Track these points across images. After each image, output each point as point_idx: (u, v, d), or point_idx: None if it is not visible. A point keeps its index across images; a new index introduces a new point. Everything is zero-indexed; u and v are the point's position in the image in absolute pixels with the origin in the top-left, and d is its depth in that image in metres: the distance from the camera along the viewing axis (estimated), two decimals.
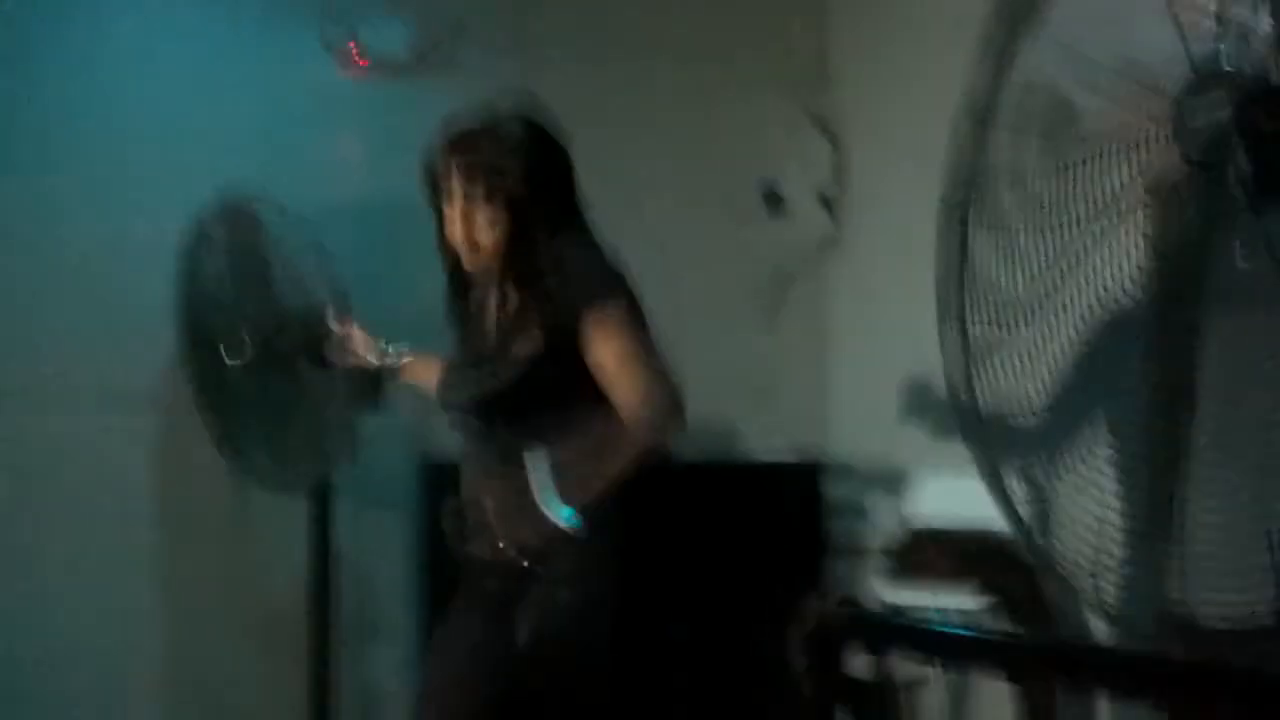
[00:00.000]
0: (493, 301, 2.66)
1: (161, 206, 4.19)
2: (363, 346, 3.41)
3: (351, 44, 4.56)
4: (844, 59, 5.11)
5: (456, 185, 2.60)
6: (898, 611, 4.08)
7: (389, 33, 4.62)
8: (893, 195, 4.50)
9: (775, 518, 4.61)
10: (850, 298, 4.99)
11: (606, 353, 2.42)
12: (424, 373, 3.14)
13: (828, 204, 5.17)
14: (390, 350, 3.38)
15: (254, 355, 3.97)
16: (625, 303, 2.46)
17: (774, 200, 5.19)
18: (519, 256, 2.55)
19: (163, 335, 4.16)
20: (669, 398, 2.38)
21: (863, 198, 4.96)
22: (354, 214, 4.52)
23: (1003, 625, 3.92)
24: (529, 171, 2.58)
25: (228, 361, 4.01)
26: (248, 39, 4.48)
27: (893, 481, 4.61)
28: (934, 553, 4.12)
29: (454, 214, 2.64)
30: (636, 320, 2.45)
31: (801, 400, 5.12)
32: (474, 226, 2.58)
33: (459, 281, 2.76)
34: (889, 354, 4.41)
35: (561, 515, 2.36)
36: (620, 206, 4.91)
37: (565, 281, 2.45)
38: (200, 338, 4.15)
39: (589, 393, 2.44)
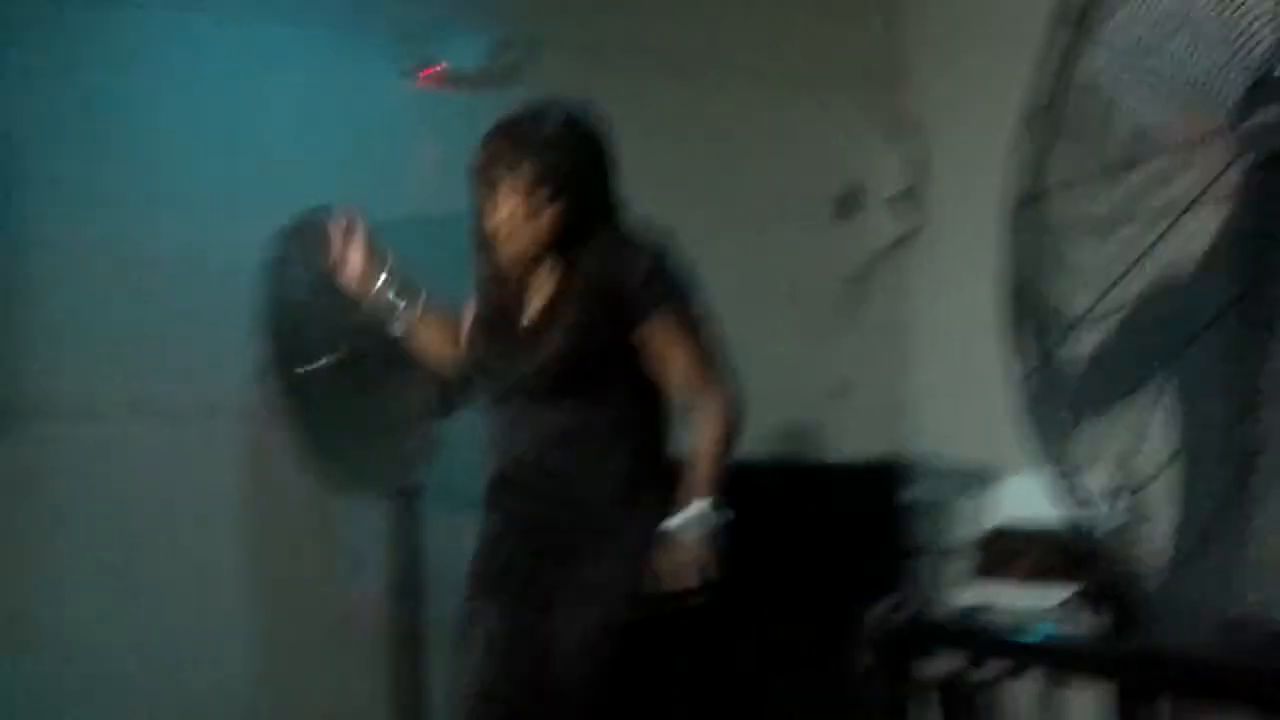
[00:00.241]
0: (539, 279, 2.66)
1: (244, 222, 4.29)
2: (361, 274, 3.00)
3: (428, 60, 4.64)
4: (920, 58, 5.10)
5: (503, 168, 2.62)
6: (977, 612, 4.07)
7: (465, 48, 4.70)
8: (971, 193, 4.47)
9: (856, 518, 4.60)
10: (929, 296, 4.98)
11: (678, 352, 2.48)
12: (437, 335, 2.99)
13: (905, 203, 5.15)
14: (394, 295, 3.00)
15: (334, 363, 4.05)
16: (690, 303, 2.51)
17: (852, 201, 5.19)
18: (566, 240, 2.59)
19: (247, 346, 4.26)
20: (736, 389, 2.46)
21: (941, 196, 4.95)
22: (430, 226, 4.59)
23: (1087, 625, 3.89)
24: (571, 152, 2.61)
25: (309, 370, 4.10)
26: (326, 57, 4.58)
27: (975, 480, 4.58)
28: (1016, 551, 4.09)
29: (499, 196, 2.63)
30: (701, 319, 2.52)
31: (882, 399, 5.12)
32: (518, 208, 2.60)
33: (492, 262, 2.76)
34: (969, 353, 4.38)
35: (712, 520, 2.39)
36: (699, 212, 4.97)
37: (625, 272, 2.50)
38: (282, 348, 4.25)
39: (634, 367, 2.50)
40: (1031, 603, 3.94)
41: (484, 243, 2.71)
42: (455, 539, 4.36)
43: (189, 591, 4.27)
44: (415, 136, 4.71)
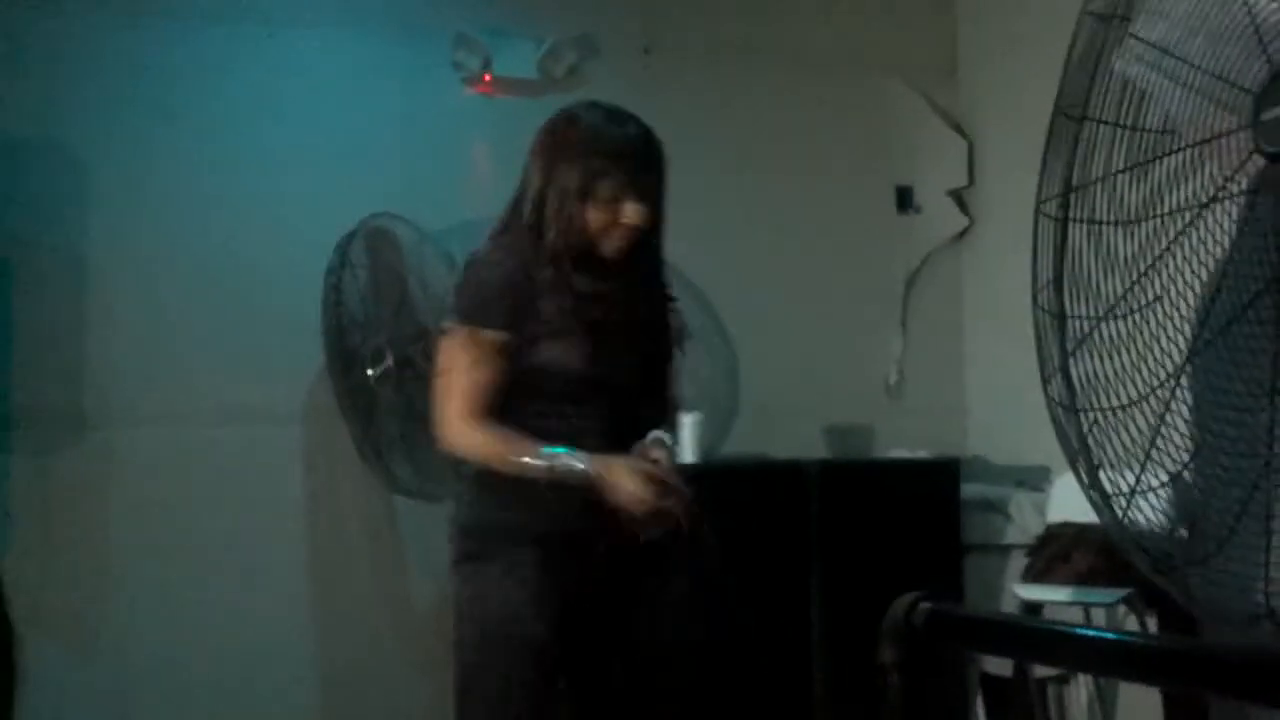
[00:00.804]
0: (629, 287, 2.65)
1: (306, 230, 4.38)
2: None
3: (484, 66, 4.70)
4: (972, 58, 5.09)
5: (646, 178, 2.60)
6: (1033, 608, 4.05)
7: (519, 52, 4.75)
8: (1024, 190, 4.46)
9: (912, 516, 4.58)
10: (984, 293, 4.96)
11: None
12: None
13: (960, 200, 5.15)
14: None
15: (394, 369, 4.12)
16: None
17: (906, 198, 5.19)
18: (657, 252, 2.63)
19: (310, 351, 4.35)
20: None
21: (994, 193, 4.93)
22: (486, 229, 4.65)
23: (1140, 621, 3.86)
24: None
25: (370, 375, 4.18)
26: (383, 66, 4.66)
27: (1031, 478, 4.57)
28: (1072, 549, 4.07)
29: (630, 201, 2.59)
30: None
31: (938, 397, 5.10)
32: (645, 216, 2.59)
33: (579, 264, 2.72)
34: (1024, 349, 4.37)
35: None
36: (755, 211, 5.02)
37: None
38: (344, 353, 4.34)
39: None
40: (1089, 598, 3.93)
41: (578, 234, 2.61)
42: None
43: (255, 592, 4.35)
44: (471, 142, 4.78)
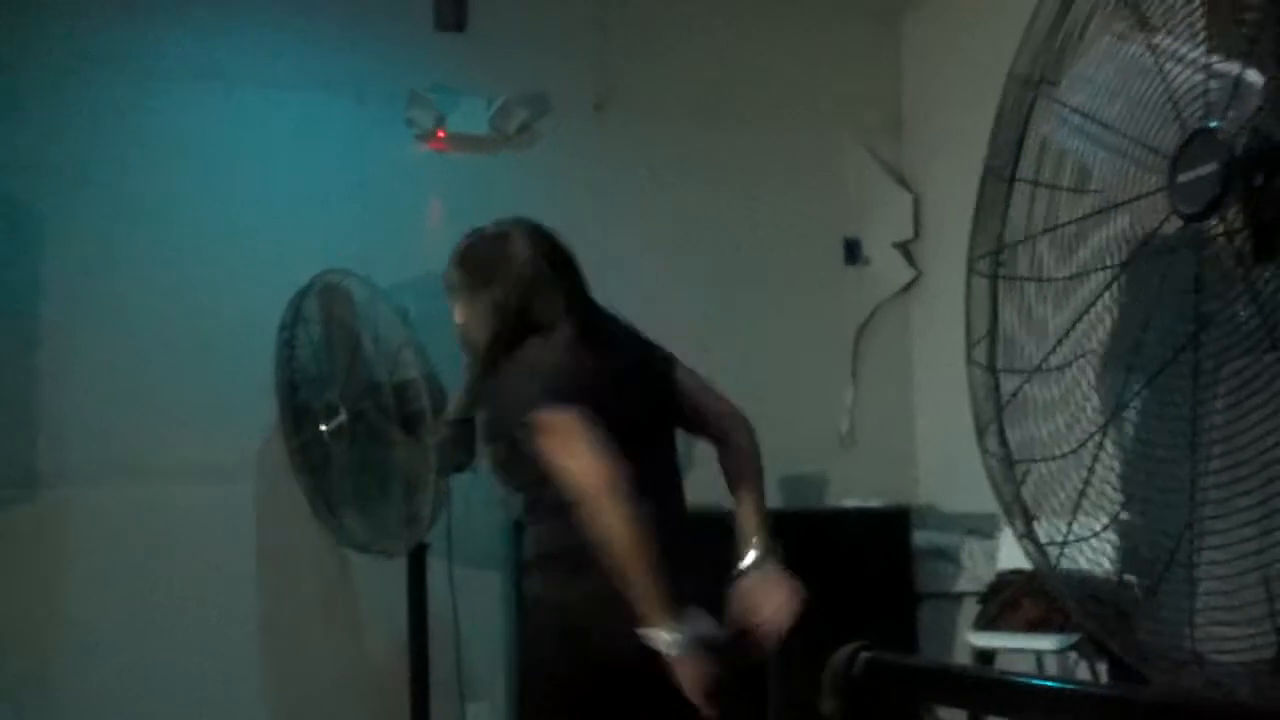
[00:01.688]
0: None
1: (260, 286, 4.40)
2: None
3: (435, 123, 4.75)
4: (917, 114, 5.20)
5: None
6: (985, 655, 4.10)
7: (471, 110, 4.81)
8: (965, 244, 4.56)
9: (865, 564, 4.63)
10: (932, 343, 5.04)
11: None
12: None
13: (906, 253, 5.24)
14: None
15: (347, 424, 4.14)
16: None
17: (854, 250, 5.27)
18: None
19: (263, 407, 4.37)
20: None
21: (940, 246, 5.02)
22: (440, 284, 4.68)
23: (1091, 667, 3.91)
24: None
25: (323, 430, 4.19)
26: (337, 123, 4.71)
27: (981, 526, 4.63)
28: (1023, 596, 4.12)
29: None
30: None
31: (889, 446, 5.17)
32: None
33: None
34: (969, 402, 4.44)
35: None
36: (705, 264, 5.08)
37: None
38: (297, 408, 4.35)
39: None
40: (1040, 646, 3.99)
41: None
42: (467, 595, 4.46)
43: (209, 649, 4.34)
44: (425, 198, 4.83)
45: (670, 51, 5.14)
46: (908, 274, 5.21)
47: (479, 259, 2.69)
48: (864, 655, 1.61)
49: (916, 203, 5.20)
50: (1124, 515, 1.64)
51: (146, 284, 4.43)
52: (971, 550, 4.54)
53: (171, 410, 4.39)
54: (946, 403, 4.82)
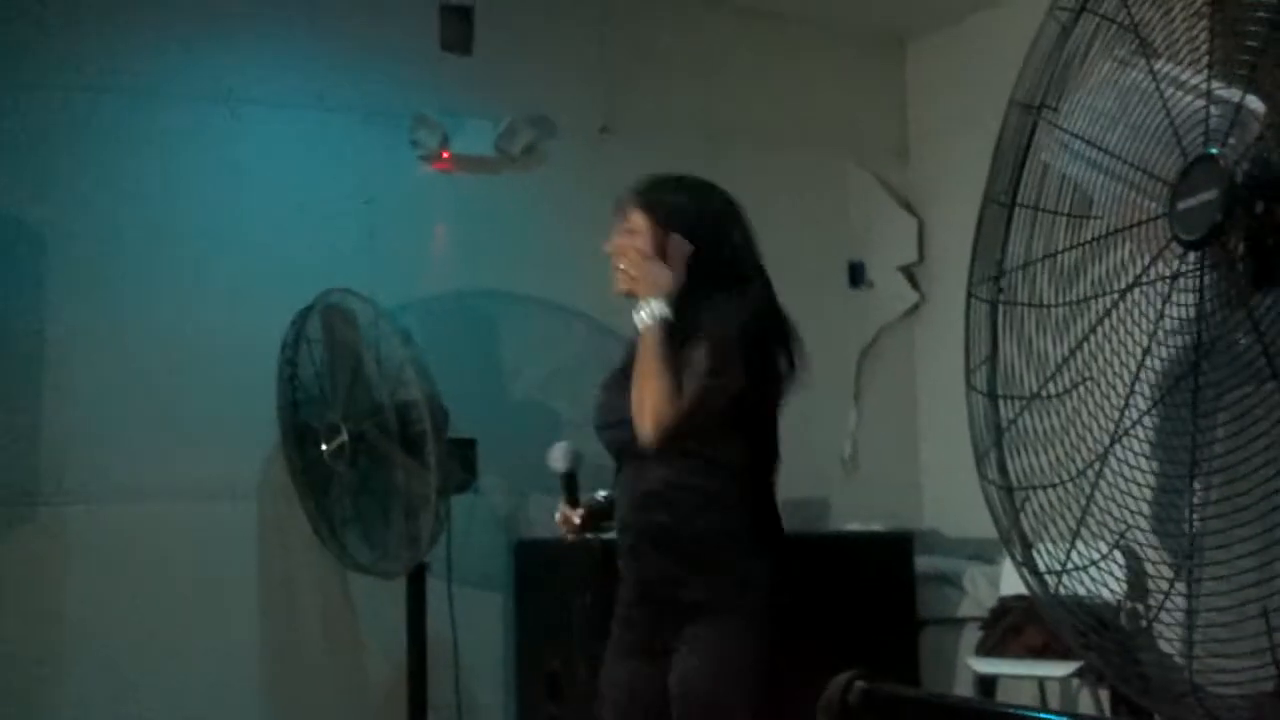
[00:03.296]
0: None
1: (263, 306, 4.40)
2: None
3: (440, 144, 4.76)
4: (922, 139, 5.21)
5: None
6: (988, 682, 4.07)
7: (476, 131, 4.81)
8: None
9: (867, 589, 4.60)
10: (936, 367, 5.02)
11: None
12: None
13: (910, 276, 5.23)
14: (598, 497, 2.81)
15: (349, 444, 4.13)
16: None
17: (858, 274, 5.27)
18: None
19: (265, 427, 4.36)
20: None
21: (944, 270, 5.02)
22: (444, 305, 4.70)
23: (1094, 695, 3.89)
24: None
25: (324, 450, 4.19)
26: (342, 143, 4.71)
27: (984, 551, 4.60)
28: (1025, 622, 4.10)
29: None
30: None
31: (892, 470, 5.15)
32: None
33: None
34: None
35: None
36: None
37: None
38: (299, 429, 4.35)
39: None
40: (1043, 672, 3.96)
41: None
42: (468, 615, 4.45)
43: (208, 671, 4.31)
44: (429, 219, 4.83)
45: (676, 75, 5.14)
46: (912, 298, 5.20)
47: (671, 187, 2.76)
48: (859, 684, 1.60)
49: (921, 227, 5.20)
50: (1123, 544, 1.63)
51: (149, 303, 4.42)
52: (974, 576, 4.52)
53: (173, 430, 4.37)
54: (950, 427, 4.80)
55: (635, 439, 2.52)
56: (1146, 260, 1.65)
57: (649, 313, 2.53)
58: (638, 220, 2.65)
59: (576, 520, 2.72)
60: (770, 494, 2.62)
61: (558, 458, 2.71)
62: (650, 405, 2.47)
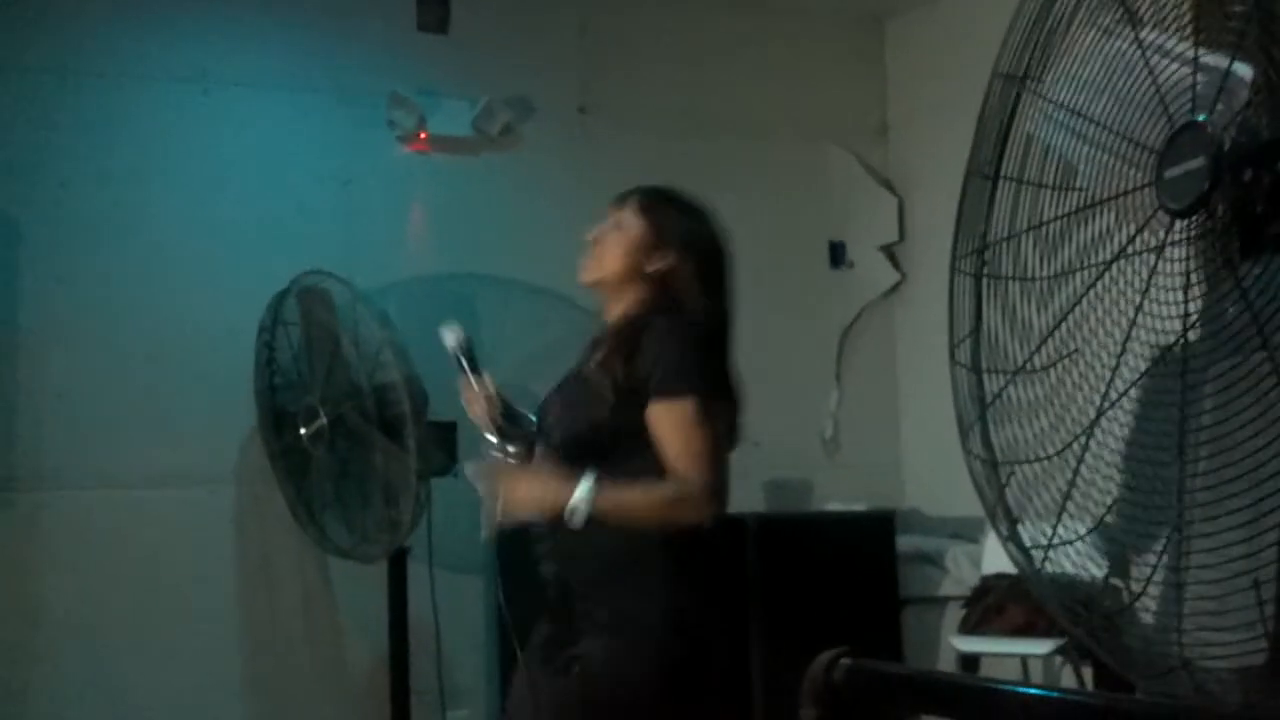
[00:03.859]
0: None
1: (239, 289, 4.36)
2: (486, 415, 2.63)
3: (417, 124, 4.71)
4: (901, 118, 5.19)
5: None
6: (970, 660, 4.07)
7: (454, 112, 4.77)
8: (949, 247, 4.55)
9: (850, 568, 4.60)
10: (917, 346, 5.02)
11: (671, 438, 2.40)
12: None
13: (891, 256, 5.21)
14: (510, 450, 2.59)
15: (327, 428, 4.09)
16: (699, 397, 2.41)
17: (839, 254, 5.25)
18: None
19: (242, 412, 4.32)
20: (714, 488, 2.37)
21: (925, 249, 5.00)
22: (422, 286, 4.66)
23: (1076, 672, 3.89)
24: None
25: (303, 434, 4.15)
26: (318, 124, 4.66)
27: (966, 530, 4.60)
28: (1007, 600, 4.10)
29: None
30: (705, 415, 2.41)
31: (874, 450, 5.14)
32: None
33: None
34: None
35: (578, 490, 2.29)
36: None
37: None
38: (277, 413, 4.31)
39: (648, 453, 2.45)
40: (1025, 650, 3.96)
41: None
42: (448, 600, 4.42)
43: (187, 657, 4.28)
44: (407, 200, 4.79)
45: (654, 55, 5.11)
46: (893, 277, 5.19)
47: (680, 207, 2.61)
48: (844, 662, 1.57)
49: (901, 206, 5.18)
50: (1110, 518, 1.61)
51: (124, 287, 4.37)
52: (956, 555, 4.51)
53: (150, 414, 4.33)
54: (931, 406, 4.80)
55: (560, 443, 2.47)
56: (1132, 230, 1.64)
57: (577, 500, 2.32)
58: (631, 220, 2.56)
59: (486, 397, 2.55)
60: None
61: (451, 338, 2.58)
62: (677, 513, 2.36)
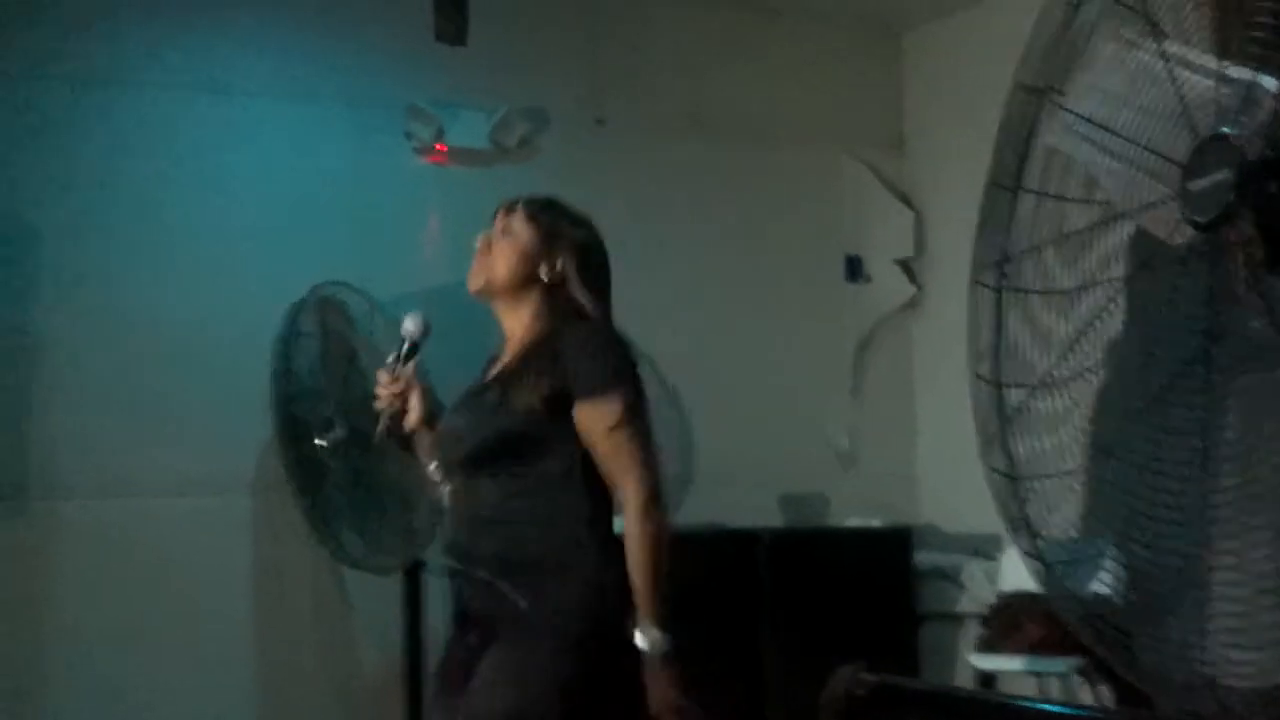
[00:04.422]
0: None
1: (256, 299, 4.36)
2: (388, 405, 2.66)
3: (434, 136, 4.72)
4: (918, 131, 5.18)
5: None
6: (987, 678, 4.05)
7: (471, 123, 4.78)
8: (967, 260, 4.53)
9: (866, 584, 4.58)
10: (934, 361, 5.00)
11: (604, 440, 2.39)
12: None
13: (908, 270, 5.20)
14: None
15: (343, 439, 4.09)
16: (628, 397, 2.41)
17: (856, 267, 5.24)
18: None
19: (258, 421, 4.32)
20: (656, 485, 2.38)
21: (942, 263, 4.99)
22: (439, 298, 4.65)
23: (1094, 690, 3.86)
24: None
25: (319, 445, 4.15)
26: (335, 135, 4.67)
27: (983, 546, 4.58)
28: (1024, 618, 4.07)
29: None
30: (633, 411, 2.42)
31: (890, 465, 5.12)
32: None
33: None
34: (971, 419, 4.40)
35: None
36: (706, 280, 5.05)
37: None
38: (293, 423, 4.31)
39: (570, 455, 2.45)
40: (1042, 667, 3.93)
41: None
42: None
43: (200, 666, 4.27)
44: (423, 211, 4.79)
45: (671, 67, 5.11)
46: (909, 291, 5.17)
47: (567, 214, 2.61)
48: (865, 677, 1.56)
49: (918, 220, 5.17)
50: (1132, 533, 1.60)
51: (141, 296, 4.38)
52: (973, 571, 4.49)
53: (166, 424, 4.33)
54: (948, 421, 4.78)
55: (461, 458, 2.48)
56: (1155, 244, 1.62)
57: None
58: (520, 227, 2.57)
59: (391, 385, 2.60)
60: (607, 503, 2.46)
61: (409, 324, 2.64)
62: (659, 528, 2.36)
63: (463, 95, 4.80)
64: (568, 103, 4.95)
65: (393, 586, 4.13)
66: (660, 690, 2.31)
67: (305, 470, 4.31)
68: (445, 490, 2.58)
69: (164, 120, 4.46)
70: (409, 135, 4.73)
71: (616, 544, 2.40)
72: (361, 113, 4.69)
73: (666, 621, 2.32)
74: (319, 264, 4.39)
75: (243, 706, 4.36)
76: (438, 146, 4.74)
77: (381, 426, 2.61)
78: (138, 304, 4.38)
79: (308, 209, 4.57)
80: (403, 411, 2.63)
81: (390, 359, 2.63)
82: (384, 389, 2.62)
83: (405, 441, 2.68)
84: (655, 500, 2.36)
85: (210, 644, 4.30)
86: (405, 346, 2.63)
